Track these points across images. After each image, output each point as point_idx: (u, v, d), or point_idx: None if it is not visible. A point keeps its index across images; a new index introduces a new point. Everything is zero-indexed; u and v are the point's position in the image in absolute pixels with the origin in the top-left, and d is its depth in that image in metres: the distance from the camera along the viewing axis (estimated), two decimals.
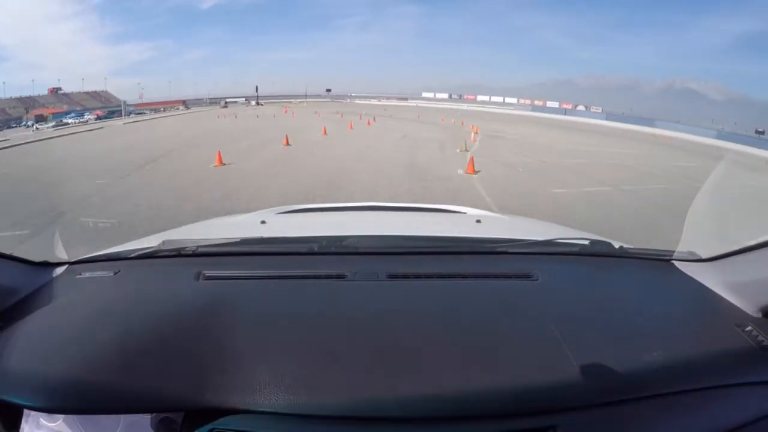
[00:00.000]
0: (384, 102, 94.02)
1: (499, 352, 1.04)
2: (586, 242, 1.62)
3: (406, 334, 1.08)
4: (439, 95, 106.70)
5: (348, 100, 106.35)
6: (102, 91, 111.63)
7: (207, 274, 1.34)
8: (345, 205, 3.13)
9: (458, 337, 1.08)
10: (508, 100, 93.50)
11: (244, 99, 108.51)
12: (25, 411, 0.95)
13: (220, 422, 0.90)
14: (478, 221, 2.22)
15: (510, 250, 1.53)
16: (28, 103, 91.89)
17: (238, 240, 1.58)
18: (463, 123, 35.28)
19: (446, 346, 1.04)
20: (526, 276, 1.35)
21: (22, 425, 0.94)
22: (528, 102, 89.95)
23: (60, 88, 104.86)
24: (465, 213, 2.73)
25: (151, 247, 1.52)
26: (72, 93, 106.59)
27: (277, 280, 1.33)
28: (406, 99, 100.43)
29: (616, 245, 1.60)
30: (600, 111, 69.31)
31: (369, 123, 32.34)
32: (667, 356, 1.03)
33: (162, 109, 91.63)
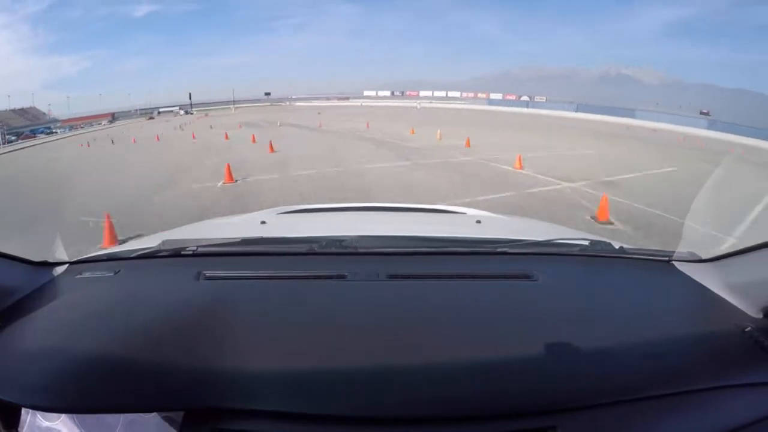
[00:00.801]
0: (324, 103, 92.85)
1: (498, 352, 1.04)
2: (586, 243, 1.62)
3: (406, 334, 1.08)
4: (381, 93, 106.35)
5: (288, 103, 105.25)
6: (30, 108, 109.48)
7: (207, 274, 1.34)
8: (345, 205, 3.10)
9: (458, 337, 1.08)
10: (451, 93, 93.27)
11: (178, 107, 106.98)
12: (25, 410, 0.95)
13: (220, 422, 0.90)
14: (478, 222, 2.20)
15: (510, 251, 1.53)
16: None
17: (239, 240, 1.57)
18: (440, 136, 23.40)
19: (446, 347, 1.04)
20: (526, 276, 1.35)
21: (22, 424, 0.94)
22: (471, 95, 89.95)
23: None
24: (465, 213, 2.71)
25: (151, 247, 1.52)
26: None
27: (277, 281, 1.33)
28: (347, 98, 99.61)
29: (616, 245, 1.60)
30: (545, 100, 69.65)
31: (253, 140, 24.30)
32: (667, 357, 1.04)
33: (81, 125, 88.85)
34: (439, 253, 1.54)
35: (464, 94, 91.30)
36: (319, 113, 56.32)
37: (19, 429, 0.95)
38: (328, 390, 0.92)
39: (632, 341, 1.09)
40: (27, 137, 69.32)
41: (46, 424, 0.94)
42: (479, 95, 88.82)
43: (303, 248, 1.52)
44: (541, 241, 1.63)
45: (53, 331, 1.11)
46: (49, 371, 0.95)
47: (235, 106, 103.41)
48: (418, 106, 53.65)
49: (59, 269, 1.46)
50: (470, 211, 2.77)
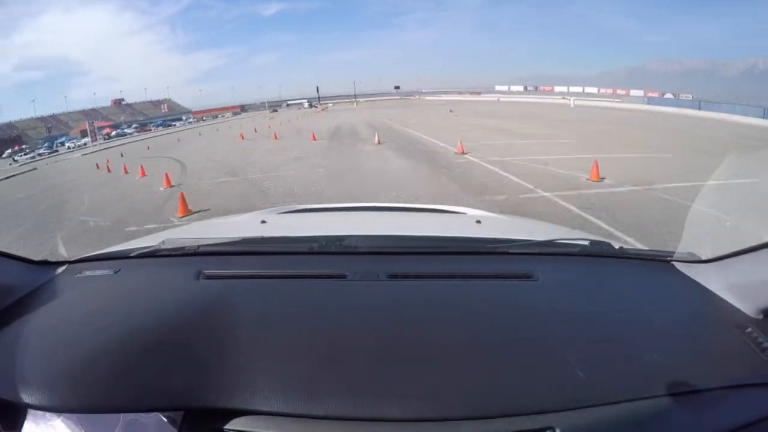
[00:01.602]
0: (456, 97, 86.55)
1: (498, 352, 1.04)
2: (586, 243, 1.61)
3: (406, 334, 1.08)
4: (513, 88, 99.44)
5: (417, 97, 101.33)
6: (165, 100, 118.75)
7: (207, 274, 1.34)
8: (345, 205, 3.10)
9: (457, 337, 1.08)
10: (588, 89, 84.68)
11: (306, 101, 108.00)
12: (25, 410, 0.95)
13: (220, 422, 0.90)
14: (478, 221, 2.17)
15: (510, 251, 1.53)
16: (91, 115, 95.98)
17: (239, 239, 1.57)
18: None
19: (446, 347, 1.04)
20: (526, 276, 1.35)
21: (21, 424, 0.94)
22: (609, 91, 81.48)
23: (122, 99, 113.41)
24: (465, 213, 2.68)
25: (152, 246, 1.52)
26: (135, 103, 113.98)
27: (277, 280, 1.33)
28: (479, 93, 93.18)
29: (616, 246, 1.60)
30: (691, 98, 54.86)
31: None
32: (666, 357, 1.03)
33: (203, 118, 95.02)
34: (439, 252, 1.53)
35: (602, 90, 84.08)
36: (451, 111, 44.03)
37: (18, 429, 0.94)
38: (327, 390, 0.92)
39: (632, 341, 1.09)
40: (142, 129, 77.43)
41: (46, 423, 0.93)
42: (618, 91, 79.76)
43: (303, 247, 1.52)
44: (542, 241, 1.62)
45: (53, 330, 1.11)
46: (48, 371, 0.95)
47: (364, 99, 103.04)
48: (572, 104, 40.64)
49: (59, 268, 1.46)
50: (470, 211, 2.72)
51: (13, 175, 26.48)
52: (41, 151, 54.92)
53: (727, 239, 1.40)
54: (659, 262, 1.52)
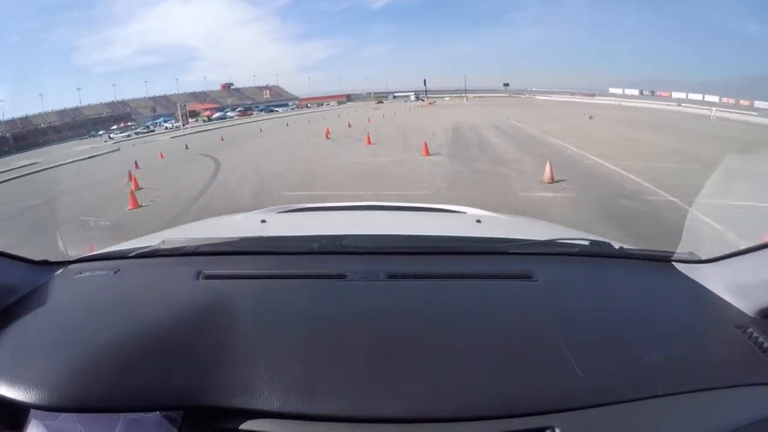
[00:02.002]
0: (568, 98, 79.48)
1: (498, 352, 1.03)
2: (586, 242, 1.61)
3: (406, 334, 1.08)
4: (627, 91, 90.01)
5: (527, 96, 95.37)
6: (273, 86, 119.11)
7: (207, 273, 1.34)
8: (345, 204, 3.07)
9: (457, 337, 1.07)
10: (708, 97, 71.24)
11: (413, 93, 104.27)
12: (25, 409, 0.95)
13: (220, 421, 0.90)
14: (478, 221, 2.17)
15: (510, 251, 1.52)
16: (200, 98, 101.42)
17: (238, 239, 1.57)
18: None
19: (446, 347, 1.04)
20: (526, 276, 1.35)
21: (23, 423, 0.94)
22: (731, 101, 67.00)
23: (231, 84, 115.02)
24: (465, 213, 2.66)
25: (151, 246, 1.52)
26: (243, 88, 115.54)
27: (277, 280, 1.33)
28: (593, 95, 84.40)
29: (616, 245, 1.59)
30: None
31: None
32: (666, 357, 1.03)
33: (307, 105, 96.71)
34: (439, 252, 1.52)
35: (726, 100, 69.55)
36: (590, 117, 29.34)
37: (20, 428, 0.94)
38: (327, 389, 0.92)
39: (632, 341, 1.08)
40: (243, 114, 77.14)
41: (47, 423, 0.92)
42: (741, 102, 65.32)
43: (303, 247, 1.52)
44: (542, 240, 1.62)
45: (54, 330, 1.11)
46: (49, 370, 0.95)
47: (472, 95, 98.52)
48: (713, 117, 30.97)
49: (59, 268, 1.46)
50: (470, 211, 2.69)
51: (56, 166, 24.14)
52: (138, 129, 56.21)
53: (727, 239, 1.41)
54: (659, 262, 1.51)
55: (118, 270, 1.40)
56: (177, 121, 57.85)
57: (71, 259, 1.52)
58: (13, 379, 0.93)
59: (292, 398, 0.89)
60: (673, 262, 1.48)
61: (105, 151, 29.27)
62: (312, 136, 24.22)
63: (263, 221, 2.03)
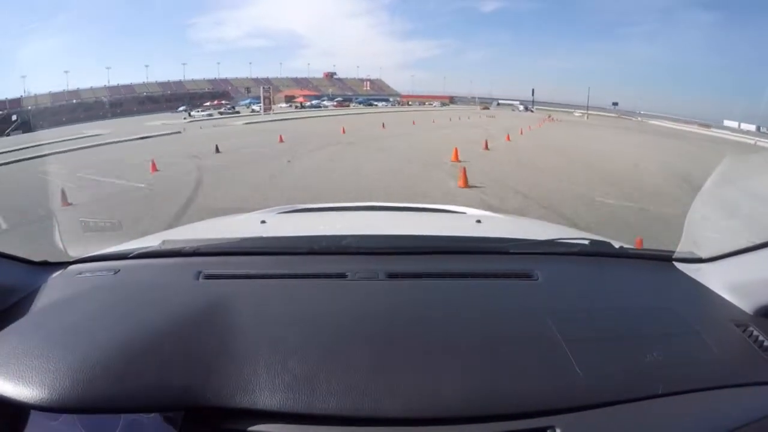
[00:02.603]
0: (684, 127, 70.13)
1: (498, 352, 1.04)
2: (586, 242, 1.61)
3: (406, 333, 1.09)
4: (744, 126, 77.70)
5: (639, 119, 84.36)
6: (376, 80, 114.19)
7: (207, 274, 1.34)
8: (345, 204, 3.12)
9: (458, 336, 1.08)
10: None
11: (518, 102, 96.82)
12: (25, 410, 0.95)
13: (220, 421, 0.91)
14: (478, 221, 2.17)
15: (510, 250, 1.53)
16: (302, 83, 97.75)
17: (238, 239, 1.57)
18: None
19: (446, 346, 1.04)
20: (526, 276, 1.35)
21: (21, 424, 0.95)
22: None
23: (334, 73, 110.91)
24: (465, 213, 2.68)
25: (151, 247, 1.52)
26: (346, 78, 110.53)
27: (277, 280, 1.33)
28: (708, 126, 74.70)
29: (616, 245, 1.60)
30: None
31: None
32: (666, 356, 1.04)
33: (408, 102, 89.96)
34: (439, 252, 1.53)
35: None
36: None
37: (20, 429, 0.94)
38: (328, 389, 0.92)
39: (632, 341, 1.09)
40: (340, 105, 73.22)
41: (47, 423, 0.93)
42: None
43: (303, 248, 1.52)
44: (542, 240, 1.63)
45: (53, 331, 1.11)
46: (49, 371, 0.94)
47: (579, 112, 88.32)
48: None
49: (59, 269, 1.46)
50: (470, 211, 2.71)
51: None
52: (223, 110, 53.00)
53: (727, 238, 1.40)
54: (659, 261, 1.52)
55: (118, 270, 1.40)
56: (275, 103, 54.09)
57: (71, 260, 1.51)
58: (13, 380, 0.93)
59: (293, 398, 0.90)
60: (673, 262, 1.49)
61: (159, 133, 25.06)
62: (425, 158, 14.30)
63: (263, 222, 2.03)
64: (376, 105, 78.88)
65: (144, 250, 1.51)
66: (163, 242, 1.52)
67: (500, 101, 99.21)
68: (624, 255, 1.55)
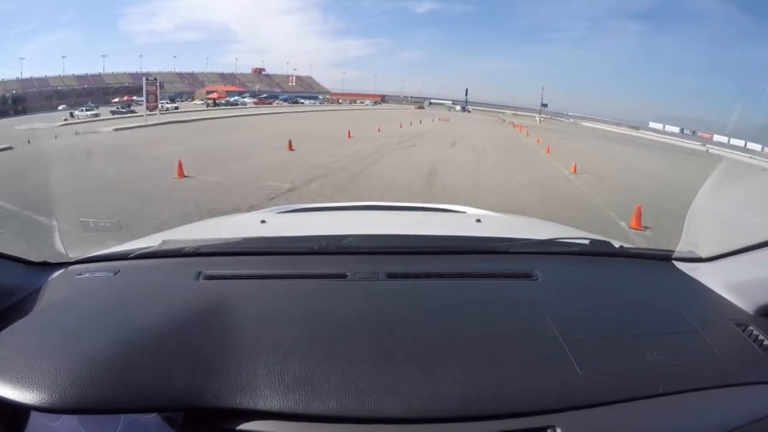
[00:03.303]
0: (613, 128, 73.83)
1: (498, 351, 1.04)
2: (586, 242, 1.62)
3: (406, 333, 1.09)
4: (668, 128, 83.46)
5: (573, 120, 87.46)
6: (306, 77, 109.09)
7: (207, 274, 1.34)
8: (345, 204, 3.15)
9: (458, 336, 1.08)
10: (751, 145, 61.70)
11: (451, 102, 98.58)
12: (25, 410, 0.95)
13: (221, 422, 0.91)
14: (478, 221, 2.18)
15: (510, 250, 1.53)
16: (228, 79, 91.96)
17: (238, 239, 1.58)
18: None
19: (446, 346, 1.05)
20: (526, 275, 1.36)
21: (21, 425, 0.95)
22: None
23: (263, 69, 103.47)
24: (465, 212, 2.68)
25: (151, 247, 1.52)
26: (275, 75, 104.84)
27: (277, 280, 1.34)
28: (637, 128, 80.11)
29: (616, 245, 1.61)
30: None
31: None
32: (666, 356, 1.04)
33: (338, 101, 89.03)
34: (439, 252, 1.53)
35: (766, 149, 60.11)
36: None
37: (20, 430, 0.94)
38: (328, 389, 0.92)
39: (632, 340, 1.09)
40: (262, 102, 68.13)
41: (47, 424, 0.93)
42: None
43: (303, 247, 1.52)
44: (542, 240, 1.63)
45: (53, 331, 1.11)
46: (50, 372, 0.94)
47: (511, 112, 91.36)
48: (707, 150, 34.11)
49: (59, 270, 1.46)
50: (470, 210, 2.71)
51: None
52: (115, 108, 45.26)
53: (727, 238, 1.41)
54: (659, 260, 1.52)
55: (118, 271, 1.40)
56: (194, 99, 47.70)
57: (71, 261, 1.51)
58: (13, 381, 0.92)
59: (293, 398, 0.90)
60: (673, 261, 1.50)
61: None
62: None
63: (263, 221, 2.02)
64: (303, 102, 75.72)
65: (144, 251, 1.50)
66: (163, 242, 1.52)
67: (432, 101, 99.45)
68: (624, 254, 1.55)
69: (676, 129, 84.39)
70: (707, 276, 1.36)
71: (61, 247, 1.59)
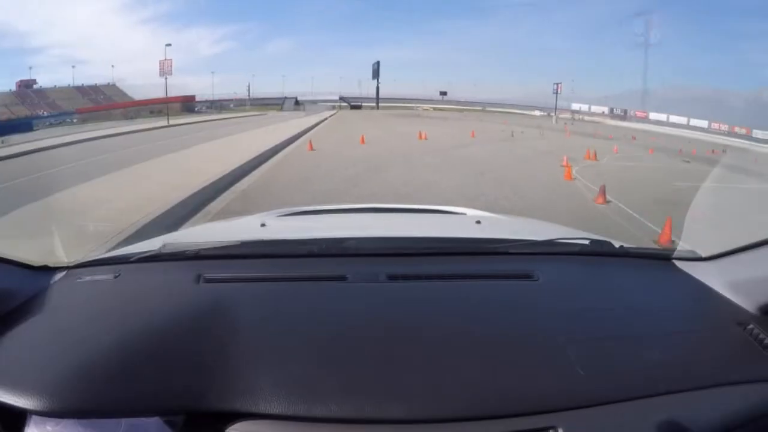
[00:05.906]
0: (539, 114, 72.28)
1: (499, 352, 1.04)
2: (586, 242, 1.62)
3: (407, 335, 1.09)
4: (594, 108, 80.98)
5: (483, 108, 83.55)
6: (108, 85, 73.43)
7: (207, 277, 1.34)
8: (344, 206, 3.10)
9: (459, 337, 1.08)
10: (695, 122, 64.23)
11: (339, 98, 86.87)
12: (25, 415, 0.95)
13: (221, 425, 0.90)
14: (478, 222, 2.18)
15: (510, 251, 1.53)
16: None
17: (238, 242, 1.57)
18: None
19: (447, 347, 1.05)
20: (527, 276, 1.36)
21: (22, 429, 0.94)
22: (725, 127, 60.36)
23: (34, 81, 65.44)
24: (465, 214, 2.68)
25: (151, 250, 1.52)
26: (48, 89, 65.71)
27: (277, 283, 1.34)
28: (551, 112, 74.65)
29: (617, 244, 1.60)
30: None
31: None
32: (667, 355, 1.05)
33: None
34: (439, 253, 1.53)
35: (716, 125, 62.76)
36: None
37: None
38: (329, 392, 0.92)
39: (633, 340, 1.09)
40: None
41: (47, 428, 0.92)
42: (737, 129, 58.98)
43: (303, 250, 1.52)
44: (542, 240, 1.62)
45: (54, 335, 1.11)
46: (50, 376, 0.95)
47: (423, 107, 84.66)
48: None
49: (59, 273, 1.45)
50: (470, 212, 2.70)
51: None
52: None
53: (727, 237, 1.42)
54: (660, 260, 1.52)
55: (119, 275, 1.39)
56: None
57: (71, 264, 1.50)
58: (13, 385, 0.93)
59: (294, 401, 0.90)
60: (674, 260, 1.49)
61: None
62: None
63: (263, 225, 2.02)
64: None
65: (144, 254, 1.50)
66: (164, 246, 1.51)
67: (317, 101, 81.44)
68: (624, 254, 1.55)
69: (603, 109, 79.10)
70: (708, 275, 1.35)
71: (60, 251, 1.58)
